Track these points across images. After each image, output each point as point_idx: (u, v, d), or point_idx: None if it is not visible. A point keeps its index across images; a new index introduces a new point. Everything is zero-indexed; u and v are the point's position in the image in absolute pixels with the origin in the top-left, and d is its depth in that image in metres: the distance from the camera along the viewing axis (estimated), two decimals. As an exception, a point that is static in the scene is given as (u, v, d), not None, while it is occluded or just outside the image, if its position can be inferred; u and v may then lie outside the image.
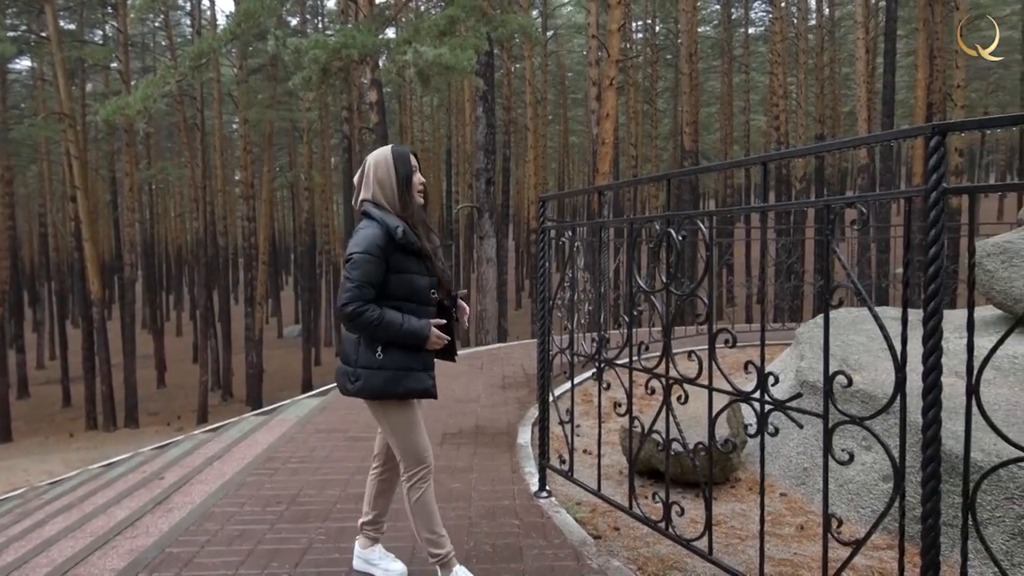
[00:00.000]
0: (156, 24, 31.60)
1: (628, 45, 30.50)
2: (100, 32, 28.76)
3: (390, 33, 17.35)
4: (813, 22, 29.57)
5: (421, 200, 2.56)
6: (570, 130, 41.41)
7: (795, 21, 27.27)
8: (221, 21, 27.71)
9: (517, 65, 29.81)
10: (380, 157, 2.52)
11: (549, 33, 33.15)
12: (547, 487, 3.74)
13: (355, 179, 2.59)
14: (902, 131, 1.79)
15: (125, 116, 12.35)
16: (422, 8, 23.95)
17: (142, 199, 35.38)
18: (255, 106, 24.71)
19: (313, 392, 8.46)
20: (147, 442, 11.90)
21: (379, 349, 2.44)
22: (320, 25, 34.23)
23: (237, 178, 31.99)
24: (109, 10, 25.50)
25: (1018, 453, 1.62)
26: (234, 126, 34.20)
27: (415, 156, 2.59)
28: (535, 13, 29.69)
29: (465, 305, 2.73)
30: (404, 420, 2.51)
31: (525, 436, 4.85)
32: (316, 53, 10.14)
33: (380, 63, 13.50)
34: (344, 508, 3.60)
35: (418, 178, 2.55)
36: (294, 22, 31.62)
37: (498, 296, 17.96)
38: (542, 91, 30.15)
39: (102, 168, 32.35)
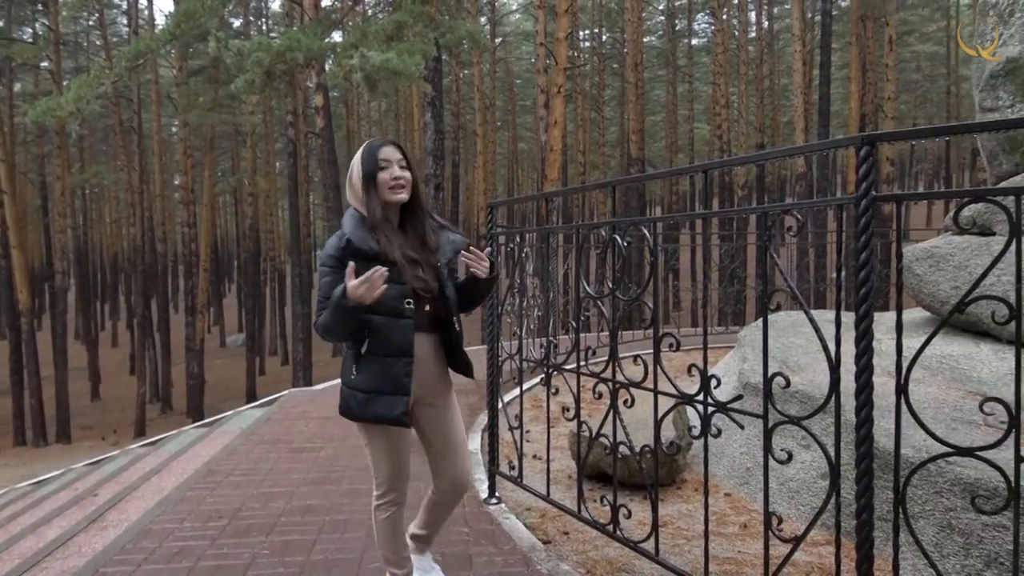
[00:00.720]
0: (90, 23, 30.44)
1: (575, 53, 30.91)
2: (30, 30, 27.52)
3: (336, 37, 17.15)
4: (753, 34, 30.55)
5: (397, 197, 2.21)
6: (519, 136, 41.63)
7: (736, 33, 28.08)
8: (160, 21, 26.90)
9: (466, 71, 29.84)
10: (356, 157, 2.29)
11: (497, 40, 33.27)
12: (496, 493, 3.73)
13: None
14: (833, 141, 1.86)
15: (56, 118, 11.84)
16: (369, 12, 23.73)
17: (75, 204, 33.96)
18: (196, 109, 24.03)
19: (257, 402, 8.25)
20: (80, 458, 11.39)
21: (355, 368, 2.21)
22: (264, 27, 33.58)
23: (177, 183, 31.05)
24: (40, 7, 24.43)
25: (944, 449, 1.70)
26: (173, 129, 33.20)
27: (398, 147, 2.26)
28: (483, 20, 29.79)
29: (475, 254, 2.28)
30: (379, 446, 2.28)
31: (474, 443, 4.84)
32: (259, 56, 9.93)
33: (326, 67, 13.31)
34: (289, 521, 3.52)
35: (389, 174, 2.20)
36: (237, 23, 30.90)
37: (448, 302, 17.90)
38: (491, 97, 30.24)
39: (31, 172, 30.93)
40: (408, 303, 2.18)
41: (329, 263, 2.18)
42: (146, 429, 20.89)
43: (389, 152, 2.23)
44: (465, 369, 2.40)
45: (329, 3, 23.46)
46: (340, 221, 2.29)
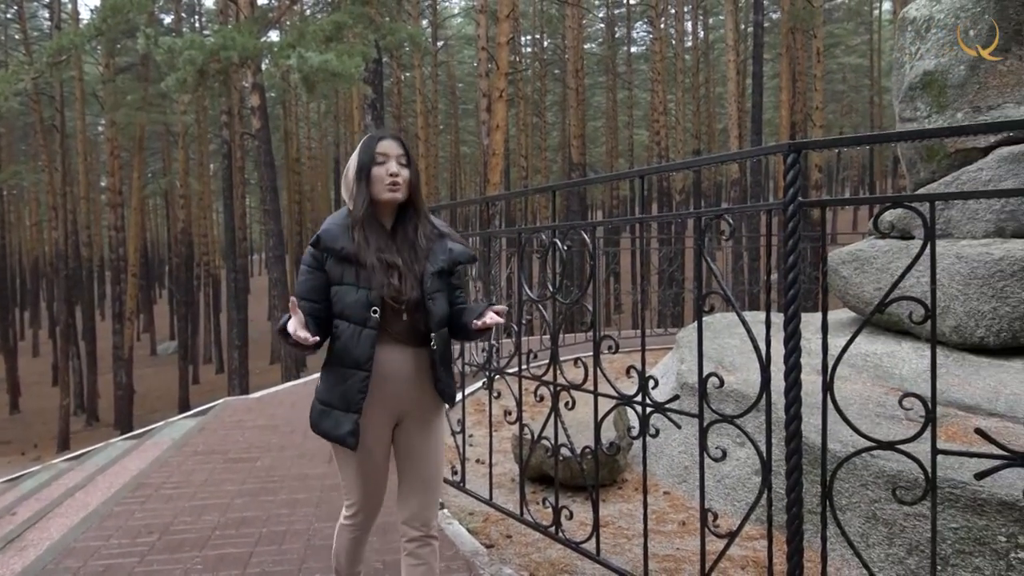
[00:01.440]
0: (8, 15, 28.86)
1: (517, 58, 31.06)
2: (-60, 22, 25.93)
3: (274, 36, 16.78)
4: (689, 44, 31.39)
5: (390, 196, 2.02)
6: (461, 140, 41.58)
7: (673, 42, 28.81)
8: (84, 15, 25.74)
9: (407, 74, 29.59)
10: (359, 144, 2.12)
11: (439, 43, 33.16)
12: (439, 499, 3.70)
13: None
14: (762, 149, 1.93)
15: (-31, 115, 11.17)
16: (307, 12, 23.31)
17: (-9, 206, 32.10)
18: (124, 107, 23.05)
19: (190, 412, 7.97)
20: (-3, 475, 10.74)
21: (321, 374, 2.08)
22: (197, 24, 32.54)
23: (104, 184, 29.71)
24: (-50, -2, 23.07)
25: (867, 443, 1.78)
26: (100, 128, 31.81)
27: (400, 142, 2.07)
28: (425, 23, 29.67)
29: (491, 316, 2.02)
30: (345, 465, 2.09)
31: (417, 448, 4.79)
32: (192, 54, 9.63)
33: (263, 67, 13.00)
34: (224, 535, 3.41)
35: (385, 170, 2.01)
36: (168, 20, 29.89)
37: (390, 307, 17.69)
38: (433, 101, 30.12)
39: (-58, 172, 29.06)
40: (374, 311, 1.96)
41: (307, 261, 2.03)
42: (70, 443, 19.88)
43: (389, 146, 2.05)
44: (448, 391, 2.12)
45: (266, 2, 22.94)
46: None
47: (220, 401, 7.61)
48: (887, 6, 34.91)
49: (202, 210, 29.84)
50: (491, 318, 2.00)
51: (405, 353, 2.04)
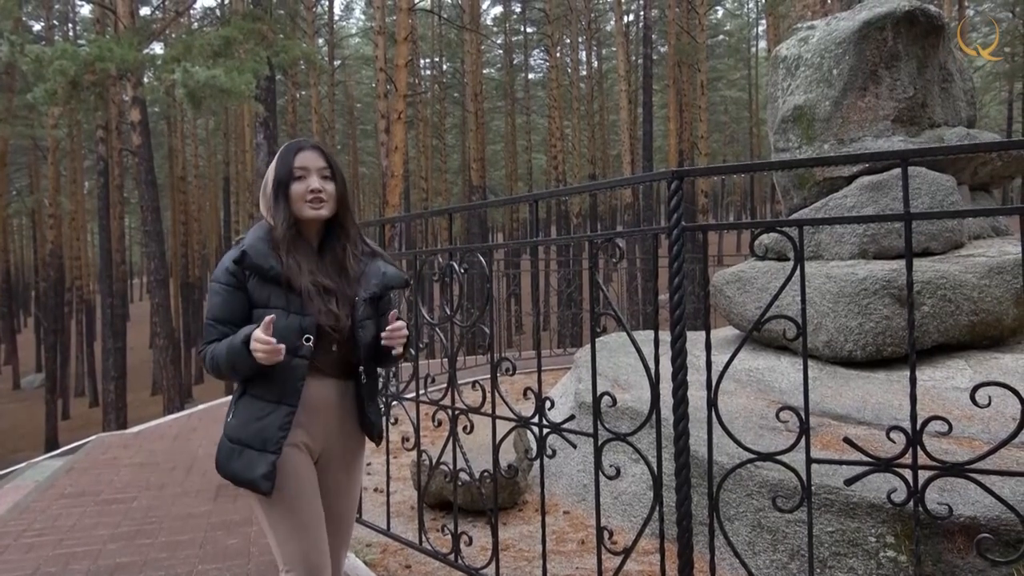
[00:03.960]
0: None
1: (416, 81, 31.10)
2: None
3: (157, 49, 15.94)
4: (584, 73, 32.55)
5: (313, 213, 1.84)
6: (360, 161, 40.96)
7: (569, 71, 29.79)
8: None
9: (303, 92, 28.92)
10: (276, 154, 1.93)
11: (336, 62, 32.68)
12: (335, 531, 3.56)
13: None
14: (647, 176, 2.01)
15: None
16: (195, 26, 22.37)
17: None
18: (-16, 119, 21.15)
19: (58, 451, 7.30)
20: None
21: (232, 410, 1.84)
22: (71, 34, 30.46)
23: (-41, 202, 27.01)
24: None
25: (749, 455, 1.86)
26: (-45, 141, 28.95)
27: (322, 153, 1.89)
28: (321, 41, 29.17)
29: (395, 321, 1.87)
30: (276, 515, 1.80)
31: (312, 479, 4.60)
32: (63, 64, 8.99)
33: (144, 80, 12.31)
34: (93, 584, 3.12)
35: (304, 186, 1.84)
36: (37, 27, 27.81)
37: (285, 332, 17.03)
38: (329, 120, 29.55)
39: None
40: (307, 339, 1.78)
41: (223, 279, 1.81)
42: (-87, 490, 17.70)
43: (308, 158, 1.86)
44: (370, 430, 1.95)
45: (148, 13, 21.83)
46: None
47: (93, 437, 7.02)
48: (763, 44, 37.72)
49: (75, 231, 27.75)
50: (395, 330, 1.85)
51: (334, 385, 1.88)
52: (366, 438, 1.98)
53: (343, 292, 1.86)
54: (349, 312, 1.85)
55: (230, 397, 2.02)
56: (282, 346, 1.69)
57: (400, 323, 1.86)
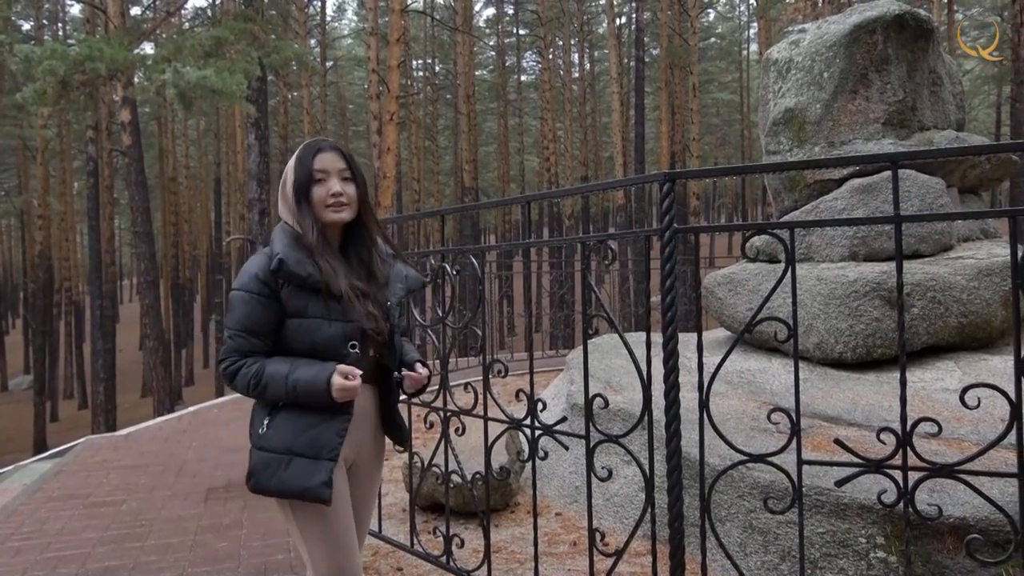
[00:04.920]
0: None
1: (408, 82, 31.07)
2: None
3: (148, 49, 15.87)
4: (577, 75, 32.60)
5: (335, 217, 1.79)
6: (352, 162, 40.81)
7: (561, 73, 29.85)
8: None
9: (294, 93, 28.85)
10: (291, 160, 1.85)
11: (329, 63, 32.61)
12: (326, 534, 3.55)
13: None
14: (639, 178, 2.01)
15: None
16: (186, 26, 22.27)
17: None
18: (-29, 119, 21.00)
19: (47, 454, 7.24)
20: None
21: (266, 420, 1.75)
22: (60, 33, 30.27)
23: (-54, 203, 26.81)
24: None
25: (740, 456, 1.87)
26: (-58, 141, 28.72)
27: (341, 153, 1.82)
28: (313, 42, 29.09)
29: (418, 372, 1.88)
30: (311, 527, 1.76)
31: (303, 481, 4.58)
32: (53, 64, 8.93)
33: (135, 80, 12.25)
34: (82, 588, 3.10)
35: (325, 189, 1.78)
36: (27, 27, 27.61)
37: (276, 333, 16.97)
38: (321, 121, 29.48)
39: None
40: (353, 346, 1.74)
41: (253, 287, 1.72)
42: (-101, 494, 17.52)
43: (328, 160, 1.79)
44: (399, 434, 1.94)
45: (139, 13, 21.73)
46: (269, 237, 1.81)
47: (82, 440, 6.97)
48: (754, 47, 37.93)
49: (64, 232, 27.58)
50: (417, 379, 1.85)
51: (369, 392, 1.85)
52: (387, 443, 1.97)
53: (375, 295, 1.82)
54: (384, 316, 1.82)
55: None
56: (358, 383, 1.69)
57: (424, 373, 1.87)
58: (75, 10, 31.03)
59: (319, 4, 30.28)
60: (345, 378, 1.68)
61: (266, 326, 1.73)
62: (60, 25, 30.93)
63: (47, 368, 24.58)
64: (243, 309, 1.73)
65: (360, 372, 1.69)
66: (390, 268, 1.88)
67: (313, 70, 24.54)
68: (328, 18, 34.93)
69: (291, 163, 1.83)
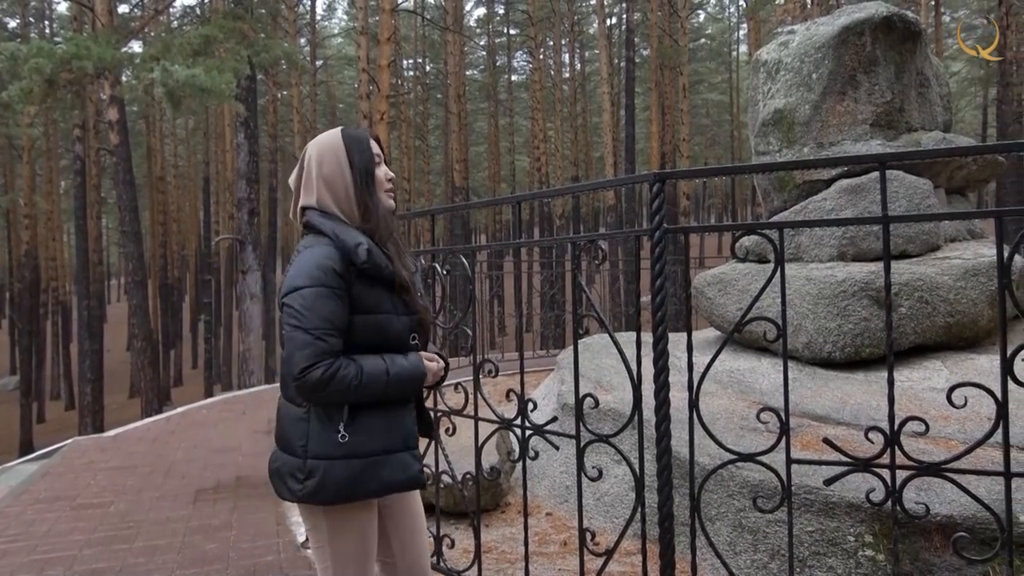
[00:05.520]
0: None
1: (399, 81, 30.99)
2: None
3: (136, 47, 15.76)
4: (567, 75, 32.63)
5: (391, 202, 1.76)
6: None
7: (552, 73, 29.87)
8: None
9: (284, 92, 28.71)
10: (325, 145, 1.74)
11: (319, 63, 32.47)
12: (316, 535, 3.54)
13: (291, 180, 1.80)
14: (629, 178, 2.01)
15: None
16: (175, 24, 22.12)
17: None
18: (-44, 117, 20.73)
19: (33, 455, 7.17)
20: None
21: (342, 425, 1.61)
22: (47, 31, 30.01)
23: (-70, 202, 26.45)
24: None
25: (730, 456, 1.87)
26: (-73, 139, 28.38)
27: (377, 141, 1.79)
28: (303, 41, 28.96)
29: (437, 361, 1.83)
30: (350, 543, 1.68)
31: (293, 482, 4.56)
32: (39, 62, 8.85)
33: (123, 79, 12.15)
34: (68, 590, 3.07)
35: (383, 171, 1.75)
36: (13, 24, 27.35)
37: (265, 334, 16.92)
38: (311, 120, 29.35)
39: None
40: (414, 339, 1.72)
41: (329, 281, 1.59)
42: None
43: (376, 145, 1.77)
44: (427, 427, 1.86)
45: (127, 11, 21.58)
46: (315, 230, 1.69)
47: (69, 441, 6.91)
48: (744, 48, 38.10)
49: (51, 231, 27.34)
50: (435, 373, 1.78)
51: None
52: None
53: (417, 285, 1.79)
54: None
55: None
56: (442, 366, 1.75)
57: (440, 365, 1.79)
58: (62, 8, 30.81)
59: (309, 3, 30.17)
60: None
61: (345, 322, 1.62)
62: (47, 23, 30.65)
63: (33, 369, 24.35)
64: (326, 304, 1.58)
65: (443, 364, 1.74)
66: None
67: (303, 69, 24.42)
68: (318, 17, 34.78)
69: (342, 153, 1.73)
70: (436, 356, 1.74)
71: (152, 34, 18.89)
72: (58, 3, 31.43)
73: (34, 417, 23.12)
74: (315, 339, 1.56)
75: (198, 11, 24.17)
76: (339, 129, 1.77)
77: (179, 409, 7.93)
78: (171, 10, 23.28)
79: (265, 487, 4.56)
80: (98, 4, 12.41)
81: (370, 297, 1.64)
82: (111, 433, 7.27)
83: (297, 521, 3.81)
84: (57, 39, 25.00)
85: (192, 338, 33.14)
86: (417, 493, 1.87)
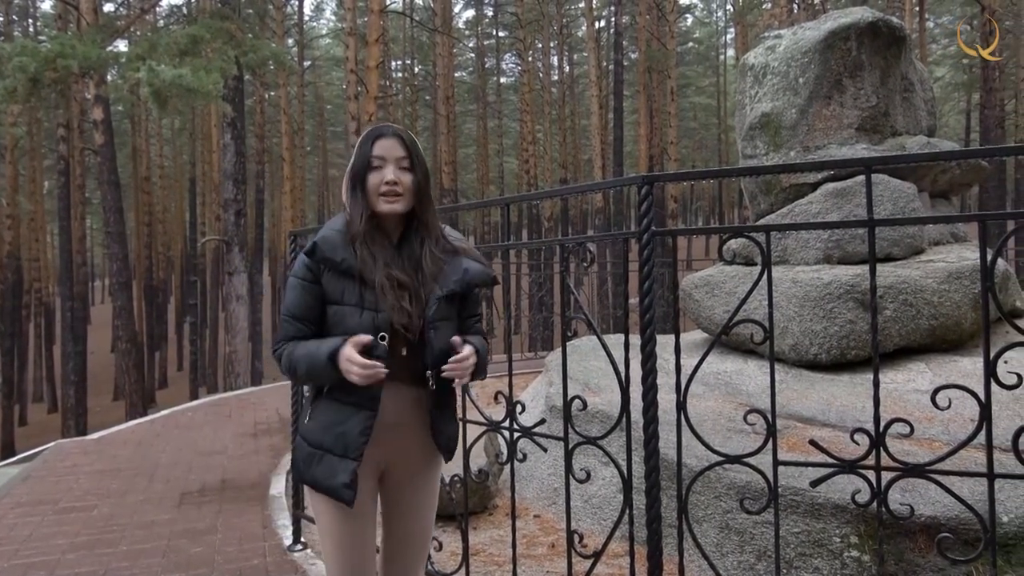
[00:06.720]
0: None
1: (387, 83, 30.92)
2: None
3: (122, 47, 15.63)
4: (556, 77, 32.72)
5: (388, 207, 1.72)
6: (330, 163, 40.60)
7: (540, 75, 29.93)
8: None
9: (271, 93, 28.57)
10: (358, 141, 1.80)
11: (307, 63, 32.34)
12: (302, 539, 3.51)
13: None
14: (617, 180, 2.02)
15: None
16: (161, 24, 21.95)
17: None
18: (-62, 116, 20.46)
19: (15, 458, 7.08)
20: None
21: (309, 410, 1.75)
22: (31, 29, 29.70)
23: (-89, 201, 26.08)
24: None
25: (717, 458, 1.88)
26: (-93, 138, 27.97)
27: (402, 140, 1.75)
28: (291, 42, 28.84)
29: (462, 348, 1.73)
30: (327, 527, 1.73)
31: (279, 486, 4.53)
32: (23, 60, 8.75)
33: (108, 78, 12.05)
34: (50, 595, 3.03)
35: (380, 177, 1.72)
36: (-5, 22, 27.03)
37: (251, 336, 16.81)
38: (299, 121, 29.24)
39: None
40: (382, 338, 1.65)
41: (299, 272, 1.71)
42: None
43: (387, 147, 1.73)
44: (445, 444, 1.79)
45: (112, 10, 21.40)
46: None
47: (51, 444, 6.82)
48: (731, 52, 38.36)
49: (34, 232, 27.01)
50: (459, 360, 1.69)
51: (403, 393, 1.72)
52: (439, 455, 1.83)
53: (417, 290, 1.71)
54: (421, 312, 1.70)
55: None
56: (385, 370, 1.60)
57: (467, 351, 1.71)
58: (46, 6, 30.53)
59: (297, 3, 30.04)
60: (363, 353, 1.60)
61: (311, 311, 1.71)
62: (31, 21, 30.34)
63: (16, 371, 24.05)
64: (291, 294, 1.73)
65: (374, 365, 1.60)
66: (446, 263, 1.76)
67: (290, 70, 24.31)
68: (306, 17, 34.67)
69: (357, 146, 1.79)
70: (364, 339, 1.62)
71: (138, 33, 18.75)
72: (42, 1, 31.16)
73: (16, 420, 22.82)
74: (283, 323, 1.74)
75: (185, 11, 24.00)
76: (370, 128, 1.81)
77: (164, 412, 7.85)
78: (157, 9, 23.11)
79: (251, 490, 4.53)
80: (83, 2, 12.29)
81: (335, 288, 1.70)
82: (95, 436, 7.19)
83: (283, 524, 3.78)
84: (42, 38, 24.76)
85: (177, 340, 32.86)
86: (421, 497, 1.82)
